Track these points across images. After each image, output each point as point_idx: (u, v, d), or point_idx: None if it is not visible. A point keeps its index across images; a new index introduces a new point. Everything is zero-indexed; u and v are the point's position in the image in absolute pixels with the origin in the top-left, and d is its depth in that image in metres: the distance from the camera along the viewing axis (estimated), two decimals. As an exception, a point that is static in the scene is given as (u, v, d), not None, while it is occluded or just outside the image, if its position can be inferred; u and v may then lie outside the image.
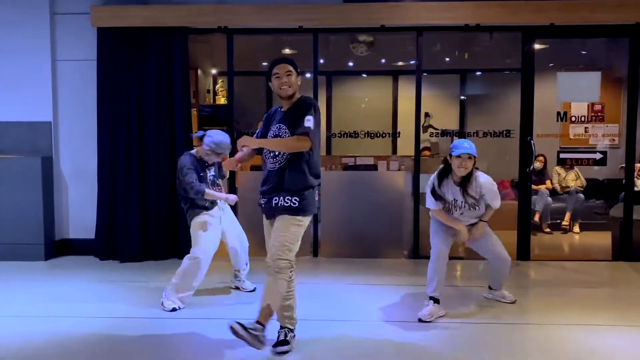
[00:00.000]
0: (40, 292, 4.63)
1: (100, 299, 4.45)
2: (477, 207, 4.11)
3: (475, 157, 3.97)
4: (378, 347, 3.49)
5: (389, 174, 6.25)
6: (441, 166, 4.14)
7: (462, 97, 9.08)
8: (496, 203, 4.14)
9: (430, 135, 7.28)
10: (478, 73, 9.06)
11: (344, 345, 3.52)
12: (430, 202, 4.14)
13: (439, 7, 5.59)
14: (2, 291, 4.65)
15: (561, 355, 3.37)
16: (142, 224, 5.76)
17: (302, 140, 3.16)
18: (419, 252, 5.90)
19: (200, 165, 4.35)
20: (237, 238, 4.61)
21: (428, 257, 5.65)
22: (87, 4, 5.74)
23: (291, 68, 3.29)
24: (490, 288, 4.46)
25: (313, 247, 6.01)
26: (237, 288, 4.71)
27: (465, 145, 3.94)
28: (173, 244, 5.85)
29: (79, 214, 6.00)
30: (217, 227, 4.37)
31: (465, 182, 4.02)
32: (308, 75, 8.12)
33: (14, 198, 5.69)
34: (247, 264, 4.71)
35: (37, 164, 5.72)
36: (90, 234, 5.90)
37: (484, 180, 4.08)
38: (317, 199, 3.41)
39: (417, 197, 5.90)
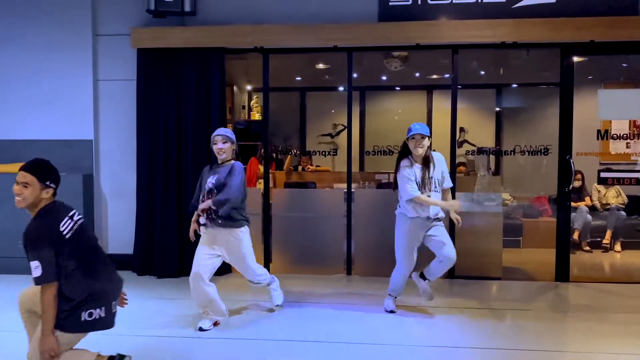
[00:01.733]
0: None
1: (133, 316, 4.54)
2: (438, 187, 4.44)
3: (428, 136, 4.40)
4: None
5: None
6: (399, 151, 4.59)
7: (498, 111, 8.97)
8: (449, 183, 4.55)
9: (466, 153, 7.20)
10: (514, 87, 8.93)
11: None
12: (412, 189, 4.34)
13: (476, 25, 5.55)
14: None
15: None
16: (179, 240, 5.85)
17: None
18: (454, 271, 5.82)
19: (209, 168, 4.37)
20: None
21: (464, 277, 5.61)
22: (128, 26, 5.91)
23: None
24: (422, 277, 4.66)
25: (347, 264, 5.99)
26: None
27: (417, 127, 4.40)
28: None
29: (118, 230, 6.15)
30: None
31: (427, 161, 4.42)
32: (341, 89, 8.18)
33: (57, 214, 5.85)
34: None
35: (79, 181, 5.90)
36: (128, 250, 6.03)
37: (438, 156, 4.54)
38: None
39: (453, 216, 5.82)
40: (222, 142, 4.25)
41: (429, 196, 4.36)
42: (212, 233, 4.20)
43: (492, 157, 8.36)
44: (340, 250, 6.00)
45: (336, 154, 7.91)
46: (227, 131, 4.36)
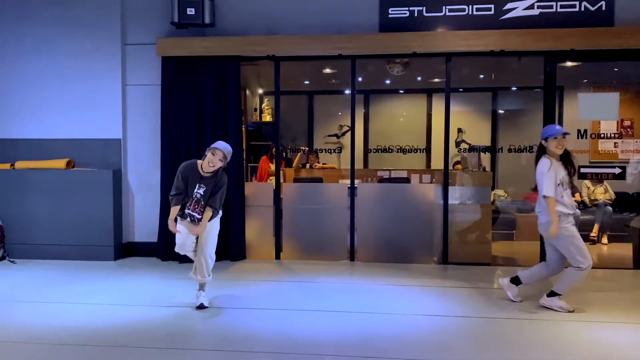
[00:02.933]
0: (114, 286, 5.41)
1: (160, 293, 5.18)
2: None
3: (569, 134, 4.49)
4: (399, 337, 4.06)
5: (420, 186, 6.80)
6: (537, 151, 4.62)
7: (494, 113, 9.55)
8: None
9: (461, 151, 7.77)
10: (510, 90, 9.52)
11: (369, 334, 4.10)
12: (549, 189, 4.35)
13: (467, 35, 6.15)
14: (83, 285, 5.44)
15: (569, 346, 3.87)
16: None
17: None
18: (447, 258, 6.42)
19: (195, 175, 4.60)
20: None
21: (457, 263, 6.20)
22: (153, 36, 6.57)
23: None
24: (515, 281, 4.89)
25: (350, 252, 6.60)
26: None
27: (559, 127, 4.48)
28: (225, 247, 6.55)
29: (143, 220, 6.80)
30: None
31: (567, 159, 4.51)
32: (347, 92, 8.79)
33: (89, 206, 6.53)
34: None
35: (109, 176, 6.56)
36: (153, 238, 6.67)
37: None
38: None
39: (447, 207, 6.43)
40: (220, 159, 4.53)
41: (562, 196, 4.43)
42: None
43: (486, 155, 8.97)
44: (344, 239, 6.61)
45: (340, 152, 8.53)
46: (230, 152, 4.65)
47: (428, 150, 9.58)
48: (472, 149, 7.49)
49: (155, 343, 3.92)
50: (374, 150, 9.15)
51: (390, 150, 8.68)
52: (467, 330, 4.25)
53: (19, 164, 6.68)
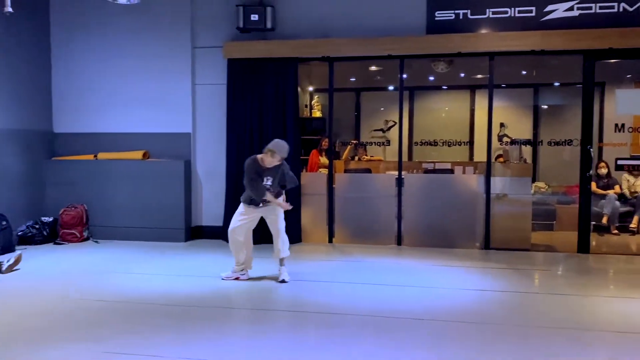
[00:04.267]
0: (188, 262, 6.18)
1: (227, 268, 5.87)
2: None
3: None
4: (447, 307, 4.61)
5: (464, 177, 7.30)
6: None
7: (535, 108, 9.89)
8: None
9: (503, 144, 8.20)
10: (550, 86, 9.85)
11: (421, 304, 4.67)
12: None
13: (509, 36, 6.61)
14: (161, 260, 6.22)
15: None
16: (260, 214, 7.17)
17: None
18: (489, 244, 6.91)
19: (260, 170, 5.22)
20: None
21: (498, 249, 6.67)
22: (220, 40, 7.28)
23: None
24: None
25: (397, 237, 7.17)
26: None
27: None
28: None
29: (210, 205, 7.55)
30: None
31: None
32: (391, 87, 9.30)
33: (162, 192, 7.31)
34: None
35: (180, 166, 7.32)
36: (219, 222, 7.41)
37: None
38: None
39: (489, 196, 6.91)
40: (279, 161, 5.25)
41: None
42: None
43: (528, 149, 9.33)
44: (392, 225, 7.18)
45: (389, 144, 9.04)
46: (287, 150, 5.34)
47: (471, 143, 10.00)
48: (513, 142, 7.91)
49: (234, 304, 4.62)
50: (419, 144, 9.62)
51: (434, 144, 9.13)
52: (506, 301, 4.77)
53: (101, 155, 7.53)
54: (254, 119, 7.21)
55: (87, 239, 7.37)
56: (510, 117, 9.87)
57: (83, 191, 7.47)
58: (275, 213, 5.39)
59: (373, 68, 9.85)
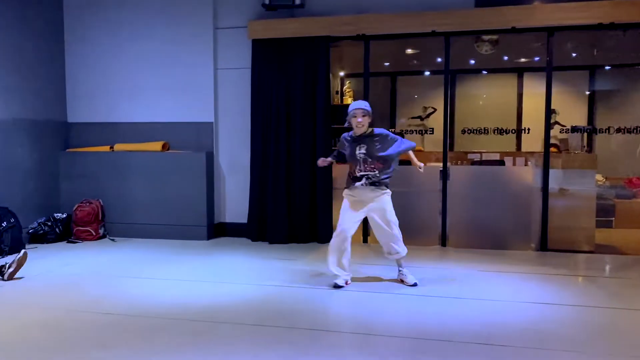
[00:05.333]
0: (214, 265, 5.54)
1: (257, 272, 5.24)
2: None
3: None
4: (509, 325, 3.87)
5: (517, 169, 6.49)
6: None
7: (591, 92, 8.97)
8: None
9: (560, 132, 7.36)
10: (609, 68, 8.88)
11: (477, 322, 3.94)
12: None
13: (572, 7, 5.76)
14: (183, 263, 5.61)
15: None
16: (289, 211, 6.53)
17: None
18: (547, 244, 6.10)
19: (350, 140, 4.67)
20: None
21: (557, 250, 5.90)
22: (244, 19, 6.62)
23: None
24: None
25: (441, 237, 6.42)
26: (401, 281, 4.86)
27: None
28: (314, 229, 6.56)
29: (234, 200, 6.92)
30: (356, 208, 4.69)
31: None
32: (427, 73, 8.54)
33: (183, 187, 6.72)
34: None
35: (202, 158, 6.71)
36: (243, 219, 6.78)
37: None
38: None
39: (547, 191, 6.10)
40: (362, 115, 4.54)
41: None
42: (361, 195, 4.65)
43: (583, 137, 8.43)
44: (435, 224, 6.43)
45: (433, 132, 8.29)
46: (366, 104, 4.62)
47: (518, 132, 9.14)
48: (575, 129, 7.05)
49: (268, 316, 3.97)
50: (466, 132, 8.87)
51: (478, 132, 8.37)
52: (581, 320, 3.99)
53: (118, 147, 6.98)
54: (280, 106, 6.53)
55: (103, 236, 6.85)
56: (562, 103, 8.97)
57: (99, 185, 6.94)
58: (382, 205, 4.66)
59: (409, 51, 9.12)
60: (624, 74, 8.81)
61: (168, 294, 4.58)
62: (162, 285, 4.82)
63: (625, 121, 8.48)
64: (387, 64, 9.65)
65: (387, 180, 4.66)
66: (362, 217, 4.72)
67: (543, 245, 6.13)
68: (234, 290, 4.65)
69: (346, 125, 4.78)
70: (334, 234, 4.67)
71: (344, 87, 9.42)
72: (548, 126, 6.18)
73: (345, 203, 4.72)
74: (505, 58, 9.00)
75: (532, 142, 9.00)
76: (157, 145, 6.82)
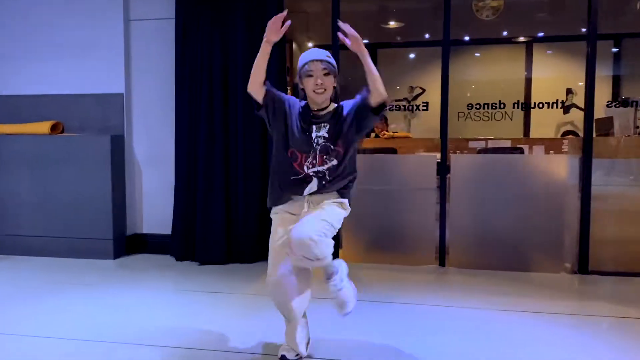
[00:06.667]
0: (99, 303, 3.63)
1: (164, 317, 3.37)
2: None
3: None
4: None
5: (543, 160, 4.72)
6: None
7: (616, 65, 7.31)
8: None
9: (608, 105, 5.67)
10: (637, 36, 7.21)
11: None
12: None
13: None
14: (47, 300, 3.70)
15: None
16: (227, 218, 4.67)
17: None
18: (587, 265, 4.35)
19: (301, 112, 2.60)
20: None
21: (602, 273, 4.22)
22: (164, -51, 4.73)
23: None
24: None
25: (439, 252, 4.63)
26: None
27: None
28: (262, 243, 4.71)
29: (155, 204, 5.03)
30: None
31: None
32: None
33: (81, 184, 4.81)
34: None
35: (106, 144, 4.79)
36: (166, 229, 4.91)
37: None
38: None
39: (588, 189, 4.33)
40: (324, 72, 2.49)
41: None
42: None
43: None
44: (431, 234, 4.63)
45: (414, 115, 6.61)
46: (328, 55, 2.53)
47: (526, 115, 7.44)
48: (626, 101, 5.30)
49: None
50: (468, 116, 7.17)
51: (477, 116, 6.69)
52: None
53: (-8, 129, 5.03)
54: (215, 71, 4.66)
55: (-30, 253, 4.92)
56: (580, 80, 7.33)
57: (-35, 182, 5.01)
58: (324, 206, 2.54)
59: (392, 24, 7.42)
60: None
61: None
62: (36, 345, 2.91)
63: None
64: (366, 40, 7.93)
65: (350, 184, 2.60)
66: None
67: (582, 266, 4.37)
68: (113, 354, 2.78)
69: (299, 88, 2.86)
70: (268, 281, 2.61)
71: (312, 62, 7.63)
72: (592, 104, 4.39)
73: (277, 229, 2.60)
74: (513, 27, 7.33)
75: (544, 125, 7.34)
76: (44, 127, 4.89)
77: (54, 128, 4.92)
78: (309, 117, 2.56)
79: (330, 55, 2.54)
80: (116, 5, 4.89)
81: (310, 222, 2.38)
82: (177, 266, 4.66)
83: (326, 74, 2.48)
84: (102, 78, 4.94)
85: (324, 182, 2.52)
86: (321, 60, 2.48)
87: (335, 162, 2.52)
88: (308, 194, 2.53)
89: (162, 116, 4.93)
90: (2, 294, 3.82)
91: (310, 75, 2.48)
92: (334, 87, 2.55)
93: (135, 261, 4.81)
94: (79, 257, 4.79)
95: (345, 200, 2.58)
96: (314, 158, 2.51)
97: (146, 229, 5.08)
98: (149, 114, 4.98)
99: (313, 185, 2.52)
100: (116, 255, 4.84)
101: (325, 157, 2.52)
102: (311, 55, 2.51)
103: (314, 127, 2.55)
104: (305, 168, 2.52)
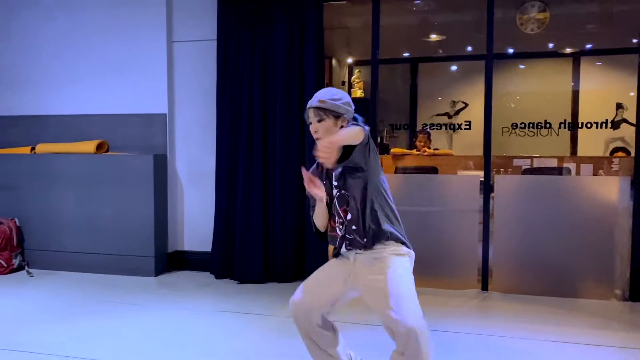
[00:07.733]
0: (138, 326, 3.68)
1: (205, 339, 3.38)
2: None
3: None
4: None
5: (592, 181, 4.54)
6: None
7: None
8: None
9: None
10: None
11: None
12: None
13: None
14: (98, 318, 3.78)
15: None
16: (265, 237, 4.69)
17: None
18: (639, 291, 4.15)
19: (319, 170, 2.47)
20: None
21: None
22: (207, -28, 4.82)
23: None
24: None
25: (482, 277, 4.50)
26: None
27: None
28: (300, 263, 4.71)
29: (196, 222, 5.10)
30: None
31: None
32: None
33: (125, 202, 4.92)
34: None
35: (149, 163, 4.89)
36: (206, 247, 4.96)
37: None
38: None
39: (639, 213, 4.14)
40: (317, 118, 2.30)
41: None
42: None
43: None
44: (474, 257, 4.51)
45: (455, 131, 6.50)
46: (331, 93, 2.33)
47: (573, 132, 7.21)
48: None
49: None
50: (512, 131, 7.03)
51: (522, 131, 6.51)
52: None
53: (41, 148, 5.20)
54: (255, 92, 4.70)
55: (19, 268, 5.09)
56: (630, 93, 7.06)
57: (15, 199, 5.19)
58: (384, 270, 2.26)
59: (433, 36, 7.33)
60: None
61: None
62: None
63: None
64: (406, 54, 7.87)
65: (388, 227, 2.33)
66: (343, 294, 2.40)
67: (634, 293, 4.17)
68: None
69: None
70: (291, 301, 2.43)
71: (353, 77, 7.63)
72: (640, 119, 4.23)
73: (329, 264, 2.49)
74: (560, 40, 7.12)
75: (591, 143, 7.09)
76: (90, 146, 5.03)
77: (99, 147, 5.05)
78: (320, 169, 2.43)
79: (336, 93, 2.34)
80: (159, 27, 5.00)
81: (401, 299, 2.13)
82: (216, 284, 4.68)
83: (319, 120, 2.29)
84: (145, 98, 5.06)
85: (352, 241, 2.33)
86: (313, 108, 2.31)
87: (355, 210, 2.31)
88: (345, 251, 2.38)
89: (204, 136, 5.00)
90: (50, 309, 3.92)
91: (311, 123, 2.34)
92: (342, 126, 2.29)
93: (175, 279, 4.87)
94: (122, 274, 4.89)
95: (400, 246, 2.32)
96: (337, 213, 2.36)
97: (187, 247, 5.14)
98: (191, 134, 5.06)
99: (344, 247, 2.37)
100: (157, 273, 4.92)
101: (344, 209, 2.34)
102: (309, 102, 2.35)
103: (329, 179, 2.40)
104: (335, 227, 2.39)
